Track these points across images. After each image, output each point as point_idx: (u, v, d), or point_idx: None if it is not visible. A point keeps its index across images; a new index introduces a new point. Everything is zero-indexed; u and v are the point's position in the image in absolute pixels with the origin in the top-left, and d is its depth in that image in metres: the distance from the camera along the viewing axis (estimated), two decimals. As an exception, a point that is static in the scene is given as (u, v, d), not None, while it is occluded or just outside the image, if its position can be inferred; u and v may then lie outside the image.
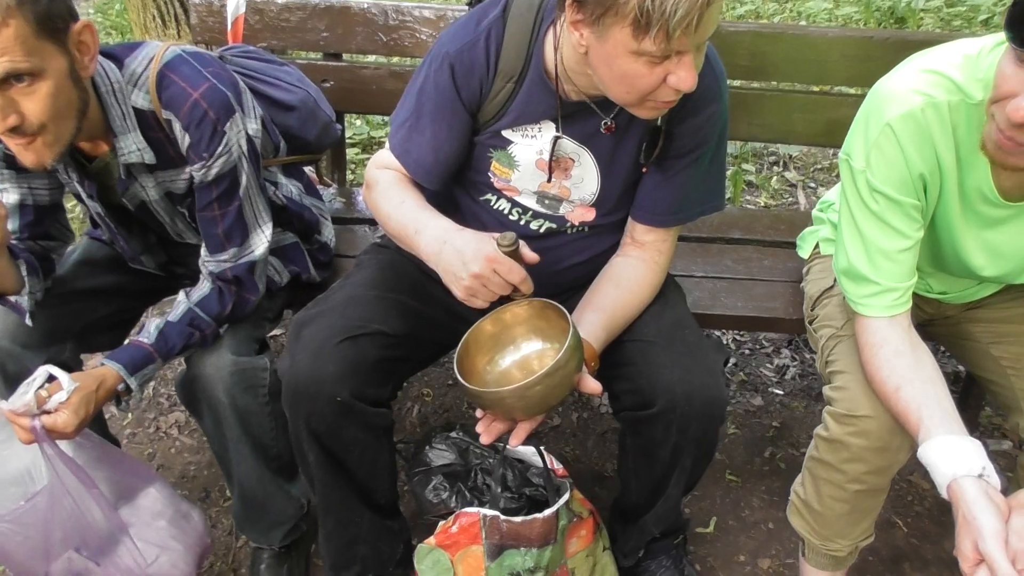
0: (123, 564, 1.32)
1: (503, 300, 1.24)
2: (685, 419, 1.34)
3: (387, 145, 1.45)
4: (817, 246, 1.72)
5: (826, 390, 1.42)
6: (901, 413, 1.22)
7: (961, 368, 2.25)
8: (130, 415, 2.16)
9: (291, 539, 1.69)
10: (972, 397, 2.13)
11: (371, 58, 2.82)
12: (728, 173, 3.25)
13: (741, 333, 2.53)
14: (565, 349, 1.14)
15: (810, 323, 1.60)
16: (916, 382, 1.21)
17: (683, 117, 1.34)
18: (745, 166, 3.33)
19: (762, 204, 3.13)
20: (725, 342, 2.50)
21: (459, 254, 1.20)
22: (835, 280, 1.55)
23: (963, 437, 1.14)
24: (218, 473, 2.00)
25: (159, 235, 1.61)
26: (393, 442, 1.50)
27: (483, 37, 1.33)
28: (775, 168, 3.37)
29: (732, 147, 3.44)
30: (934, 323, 1.63)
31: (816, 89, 2.13)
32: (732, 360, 2.37)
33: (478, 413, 1.28)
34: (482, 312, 1.28)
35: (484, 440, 1.26)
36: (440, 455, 1.50)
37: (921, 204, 1.25)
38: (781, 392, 2.31)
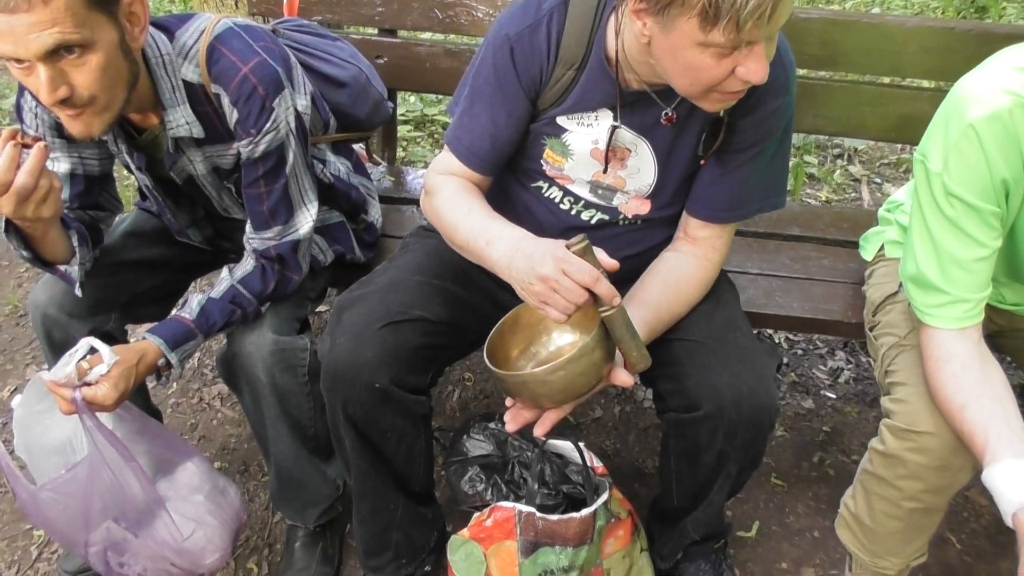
0: (160, 537, 1.33)
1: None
2: (732, 425, 1.29)
3: (446, 148, 1.41)
4: (882, 248, 1.64)
5: (884, 401, 1.35)
6: (966, 433, 1.15)
7: (1028, 381, 2.14)
8: (174, 385, 2.18)
9: (326, 519, 1.69)
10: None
11: (426, 35, 2.78)
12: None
13: (795, 332, 2.45)
14: (592, 337, 1.10)
15: (870, 329, 1.52)
16: (984, 400, 1.14)
17: (748, 110, 1.27)
18: (807, 158, 3.22)
19: (823, 199, 3.02)
20: (777, 341, 2.42)
21: (528, 259, 1.12)
22: (900, 286, 1.47)
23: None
24: (257, 447, 2.02)
25: (206, 209, 1.61)
26: (431, 430, 1.48)
27: (545, 21, 1.28)
28: (839, 161, 3.24)
29: (795, 138, 3.33)
30: (1004, 335, 1.54)
31: (888, 81, 2.02)
32: (784, 361, 2.29)
33: (508, 402, 1.25)
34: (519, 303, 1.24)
35: (510, 428, 1.22)
36: (477, 445, 1.48)
37: (1001, 212, 1.17)
38: (834, 396, 2.22)
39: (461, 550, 1.39)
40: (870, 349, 1.53)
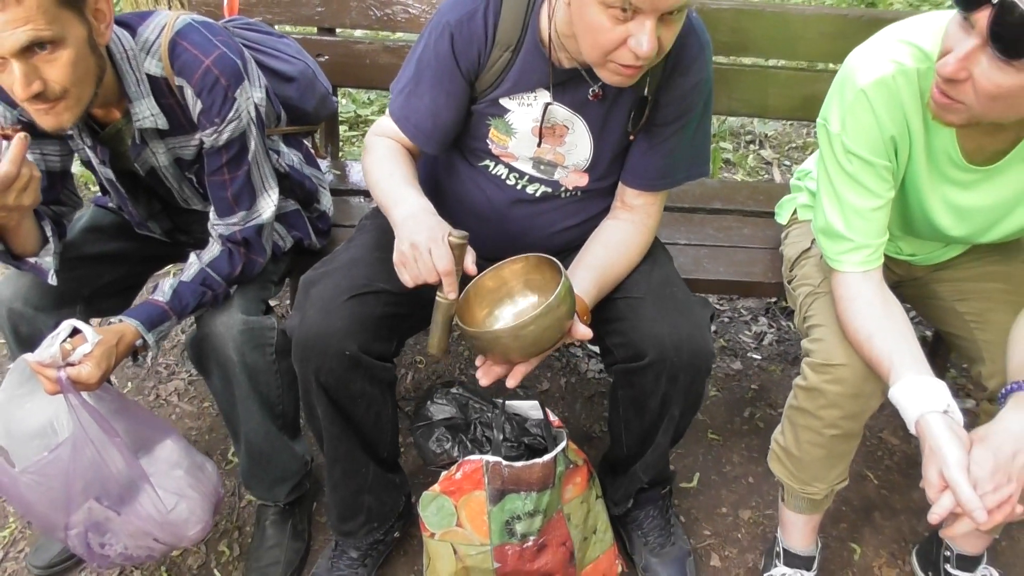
0: (143, 512, 1.39)
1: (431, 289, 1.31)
2: (674, 369, 1.43)
3: (387, 111, 1.52)
4: (795, 212, 1.82)
5: (804, 343, 1.51)
6: (873, 360, 1.31)
7: (928, 332, 2.37)
8: (129, 384, 2.21)
9: (295, 496, 1.76)
10: (938, 358, 2.24)
11: (365, 33, 2.87)
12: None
13: (721, 302, 2.63)
14: (557, 293, 1.22)
15: (789, 283, 1.69)
16: (887, 331, 1.31)
17: (669, 86, 1.42)
18: (723, 144, 3.43)
19: (739, 181, 3.23)
20: (705, 311, 2.60)
21: (416, 225, 1.29)
22: (812, 242, 1.65)
23: (930, 377, 1.24)
24: (219, 438, 2.07)
25: (165, 201, 1.67)
26: (395, 398, 1.57)
27: (482, 8, 1.39)
28: (751, 146, 3.47)
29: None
30: (904, 284, 1.73)
31: (793, 65, 2.22)
32: (713, 327, 2.46)
33: (478, 361, 1.36)
34: (480, 271, 1.36)
35: (484, 383, 1.34)
36: (441, 409, 1.58)
37: (892, 166, 1.34)
38: (759, 357, 2.41)
39: (432, 504, 1.49)
40: (789, 300, 1.70)
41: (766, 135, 3.52)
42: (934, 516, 1.16)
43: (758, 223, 2.10)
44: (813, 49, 2.10)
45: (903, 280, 1.72)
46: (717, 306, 2.62)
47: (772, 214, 1.99)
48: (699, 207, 2.18)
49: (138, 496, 1.39)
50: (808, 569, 1.69)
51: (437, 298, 1.29)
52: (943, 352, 2.24)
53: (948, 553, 1.72)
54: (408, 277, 1.28)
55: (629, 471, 1.65)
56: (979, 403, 1.61)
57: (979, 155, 1.31)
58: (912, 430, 1.23)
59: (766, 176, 3.29)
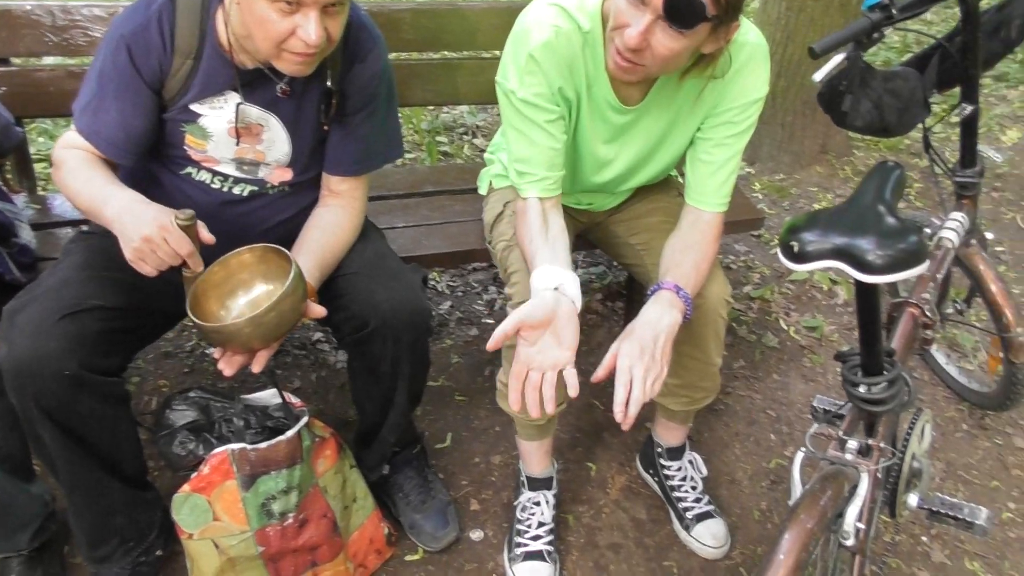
0: None
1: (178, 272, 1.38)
2: (396, 331, 1.57)
3: (72, 127, 1.51)
4: (491, 183, 2.03)
5: (506, 289, 1.72)
6: (528, 258, 1.52)
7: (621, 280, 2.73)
8: None
9: (40, 540, 1.68)
10: (635, 294, 2.58)
11: (47, 60, 2.71)
12: (423, 142, 3.56)
13: (454, 279, 2.84)
14: (291, 279, 1.32)
15: (490, 243, 1.90)
16: (539, 238, 1.51)
17: (351, 77, 1.56)
18: (440, 138, 3.66)
19: (448, 164, 3.45)
20: (441, 289, 2.79)
21: (137, 219, 1.33)
22: (505, 205, 1.86)
23: (555, 265, 1.44)
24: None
25: None
26: (131, 413, 1.57)
27: (155, 19, 1.44)
28: (465, 138, 3.73)
29: (425, 123, 3.76)
30: (590, 230, 2.01)
31: (476, 55, 2.44)
32: (428, 275, 2.63)
33: (216, 353, 1.41)
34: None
35: (228, 373, 1.39)
36: (182, 415, 1.59)
37: (563, 111, 1.54)
38: (492, 321, 2.64)
39: (185, 505, 1.50)
40: (492, 257, 1.90)
41: (477, 126, 3.80)
42: (493, 342, 1.37)
43: (467, 199, 2.31)
44: (489, 40, 2.33)
45: (588, 227, 2.00)
46: (450, 282, 2.82)
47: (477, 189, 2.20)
48: (414, 192, 2.35)
49: None
50: (549, 488, 1.91)
51: (185, 275, 1.37)
52: (637, 288, 2.58)
53: (660, 449, 2.02)
54: (149, 268, 1.34)
55: (378, 436, 1.78)
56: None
57: (633, 99, 1.57)
58: None
59: (481, 164, 3.56)
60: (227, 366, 1.41)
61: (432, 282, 2.81)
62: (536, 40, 1.48)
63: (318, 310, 1.45)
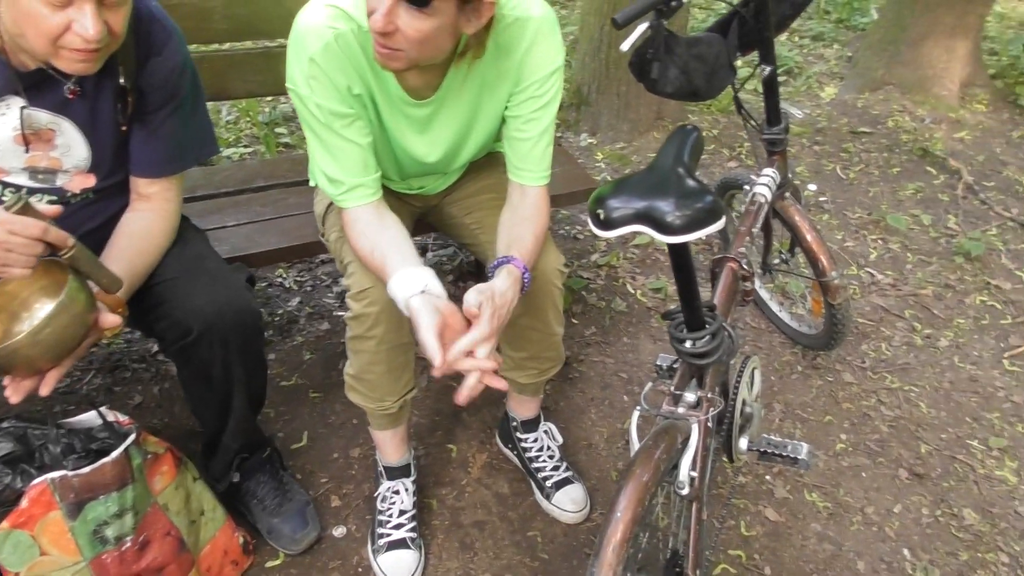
0: None
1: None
2: (223, 333, 1.51)
3: None
4: (321, 173, 1.98)
5: (343, 280, 1.69)
6: (378, 267, 1.50)
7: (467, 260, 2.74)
8: None
9: None
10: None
11: None
12: (262, 135, 3.44)
13: (302, 274, 2.76)
14: (65, 291, 1.23)
15: (323, 236, 1.86)
16: (383, 242, 1.50)
17: (147, 73, 1.47)
18: (279, 129, 3.54)
19: (278, 157, 3.35)
20: (289, 285, 2.71)
21: None
22: (334, 193, 1.82)
23: (414, 268, 1.44)
24: None
25: None
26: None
27: None
28: (306, 127, 3.63)
29: (262, 115, 3.62)
30: (427, 214, 2.00)
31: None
32: (255, 271, 2.57)
33: (5, 381, 1.31)
34: None
35: (15, 399, 1.29)
36: (-4, 448, 1.48)
37: (360, 112, 1.53)
38: (343, 313, 2.58)
39: (7, 544, 1.40)
40: (328, 249, 1.86)
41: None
42: (437, 371, 1.34)
43: (302, 191, 2.25)
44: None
45: (424, 211, 1.98)
46: (298, 277, 2.75)
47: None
48: (244, 188, 2.26)
49: None
50: (407, 476, 1.91)
51: (64, 258, 1.25)
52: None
53: (515, 423, 2.06)
54: (20, 269, 1.22)
55: (220, 444, 1.71)
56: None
57: (424, 92, 1.56)
58: (406, 313, 1.42)
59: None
60: (14, 392, 1.32)
61: (279, 278, 2.73)
62: (314, 46, 1.43)
63: (112, 320, 1.36)
